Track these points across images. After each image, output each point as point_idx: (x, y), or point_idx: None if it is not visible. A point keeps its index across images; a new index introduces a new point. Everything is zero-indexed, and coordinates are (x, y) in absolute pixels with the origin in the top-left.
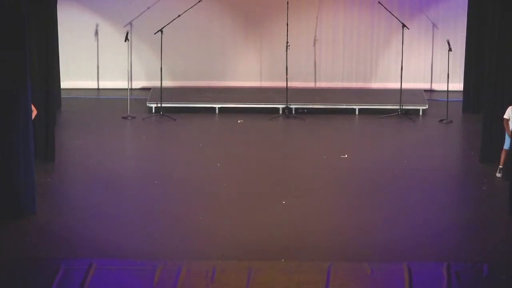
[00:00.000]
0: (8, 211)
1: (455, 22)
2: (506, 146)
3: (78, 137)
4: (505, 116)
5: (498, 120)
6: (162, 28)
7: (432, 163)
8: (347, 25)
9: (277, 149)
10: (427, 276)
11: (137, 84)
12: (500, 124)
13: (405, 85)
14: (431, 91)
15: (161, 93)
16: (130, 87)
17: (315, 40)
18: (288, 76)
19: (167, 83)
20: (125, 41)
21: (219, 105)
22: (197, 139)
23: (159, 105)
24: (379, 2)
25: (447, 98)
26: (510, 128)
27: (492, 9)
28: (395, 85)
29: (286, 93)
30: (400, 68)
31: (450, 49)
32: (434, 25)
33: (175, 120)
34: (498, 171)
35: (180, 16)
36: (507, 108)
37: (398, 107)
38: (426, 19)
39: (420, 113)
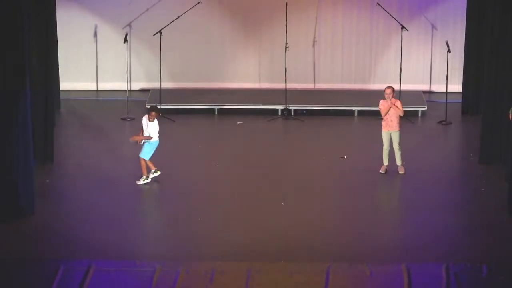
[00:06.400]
0: (8, 211)
1: (454, 23)
2: (144, 155)
3: (77, 138)
4: None
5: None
6: (161, 29)
7: (431, 165)
8: (346, 27)
9: (276, 150)
10: (426, 277)
11: (136, 85)
12: (499, 124)
13: (404, 87)
14: (430, 92)
15: (160, 94)
16: (129, 89)
17: (314, 41)
18: (287, 78)
19: (166, 85)
20: (124, 42)
21: (218, 107)
22: (196, 140)
23: (158, 106)
24: (378, 4)
25: (446, 99)
26: None
27: (492, 9)
28: (394, 86)
29: (285, 95)
30: (399, 70)
31: (449, 50)
32: (433, 26)
33: (174, 121)
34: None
35: (179, 18)
36: None
37: None
38: (425, 20)
39: (419, 115)
